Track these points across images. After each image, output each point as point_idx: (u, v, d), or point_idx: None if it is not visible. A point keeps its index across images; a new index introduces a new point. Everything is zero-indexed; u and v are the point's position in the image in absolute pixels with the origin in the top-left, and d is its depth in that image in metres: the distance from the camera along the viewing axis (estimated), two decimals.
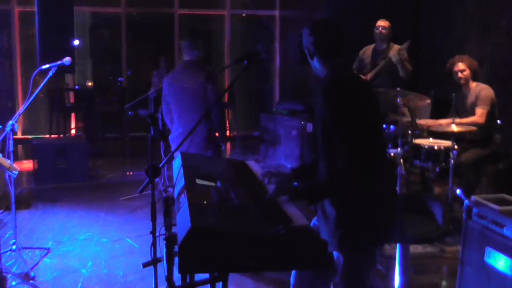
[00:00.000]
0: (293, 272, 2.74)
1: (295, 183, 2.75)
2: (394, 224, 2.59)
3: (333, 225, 2.45)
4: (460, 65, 5.16)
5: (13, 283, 3.94)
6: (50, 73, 4.20)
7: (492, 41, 6.41)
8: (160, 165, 2.47)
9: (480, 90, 5.14)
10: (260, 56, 2.65)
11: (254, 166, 3.09)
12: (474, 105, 5.14)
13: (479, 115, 5.05)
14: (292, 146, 7.41)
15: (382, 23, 6.05)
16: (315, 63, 2.56)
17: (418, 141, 5.01)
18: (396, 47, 5.92)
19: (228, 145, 9.95)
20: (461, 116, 5.18)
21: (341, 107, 2.35)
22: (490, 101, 5.08)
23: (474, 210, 3.06)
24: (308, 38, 2.54)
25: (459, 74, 5.16)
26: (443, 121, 5.22)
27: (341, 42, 2.54)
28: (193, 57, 4.49)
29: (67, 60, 4.22)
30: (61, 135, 8.25)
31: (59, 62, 4.20)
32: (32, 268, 4.17)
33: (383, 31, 6.01)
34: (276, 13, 10.64)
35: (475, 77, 5.22)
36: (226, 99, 9.80)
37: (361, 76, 5.81)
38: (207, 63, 10.24)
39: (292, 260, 2.00)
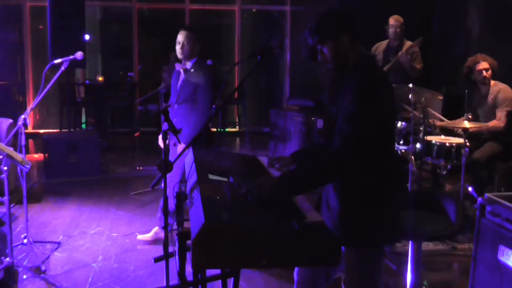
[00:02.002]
0: (296, 268, 2.73)
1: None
2: (399, 222, 2.57)
3: (337, 219, 2.44)
4: (484, 64, 5.11)
5: (24, 276, 3.97)
6: (62, 68, 4.21)
7: (505, 38, 6.35)
8: (173, 160, 2.47)
9: (498, 90, 5.10)
10: (273, 51, 2.62)
11: (266, 161, 3.08)
12: (493, 106, 5.10)
13: (499, 118, 5.06)
14: (301, 142, 7.38)
15: (394, 20, 6.00)
16: (347, 54, 2.43)
17: (429, 137, 4.98)
18: (408, 43, 5.88)
19: (238, 140, 9.96)
20: (480, 116, 5.15)
21: (370, 104, 2.30)
22: (510, 102, 5.05)
23: (488, 207, 3.03)
24: (337, 25, 2.43)
25: (484, 73, 5.11)
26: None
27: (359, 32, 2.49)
28: None
29: (79, 54, 4.22)
30: (72, 130, 8.28)
31: (71, 57, 4.21)
32: (43, 262, 4.19)
33: (396, 28, 5.96)
34: (287, 8, 10.60)
35: (494, 76, 5.17)
36: (236, 95, 9.79)
37: None
38: (217, 58, 10.25)
39: (305, 256, 1.99)
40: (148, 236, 4.69)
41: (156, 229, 4.69)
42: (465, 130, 4.70)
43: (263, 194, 2.24)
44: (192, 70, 4.44)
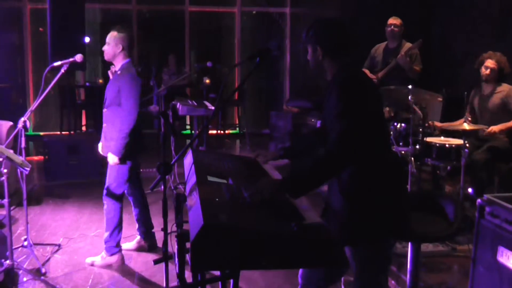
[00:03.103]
0: (300, 270, 2.74)
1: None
2: (401, 220, 2.58)
3: (341, 220, 2.46)
4: (491, 63, 5.05)
5: (25, 278, 3.97)
6: (62, 70, 4.22)
7: (506, 39, 6.35)
8: (172, 162, 2.47)
9: (508, 91, 5.05)
10: (272, 53, 2.64)
11: (265, 163, 3.08)
12: (498, 107, 5.06)
13: None
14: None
15: (393, 21, 6.00)
16: (325, 62, 2.56)
17: (429, 139, 4.98)
18: (408, 45, 5.87)
19: (238, 142, 9.97)
20: (482, 117, 5.12)
21: (356, 98, 2.38)
22: None
23: (487, 209, 3.03)
24: (322, 36, 2.55)
25: (486, 71, 5.06)
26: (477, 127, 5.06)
27: (349, 39, 2.57)
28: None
29: (79, 57, 4.22)
30: (72, 132, 8.29)
31: (71, 59, 4.21)
32: (43, 264, 4.19)
33: (395, 29, 5.95)
34: (287, 10, 10.62)
35: (501, 78, 5.12)
36: (236, 97, 9.80)
37: (371, 74, 5.79)
38: (216, 60, 10.25)
39: (305, 258, 1.99)
40: (131, 244, 4.63)
41: (138, 238, 4.65)
42: (464, 131, 4.71)
43: (265, 197, 2.27)
44: (119, 72, 4.21)
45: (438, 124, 5.25)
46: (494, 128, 5.01)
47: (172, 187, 5.63)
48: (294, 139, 6.60)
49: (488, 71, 5.05)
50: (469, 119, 4.83)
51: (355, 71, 2.55)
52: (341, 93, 2.39)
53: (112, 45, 4.17)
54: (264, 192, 2.28)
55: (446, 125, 5.23)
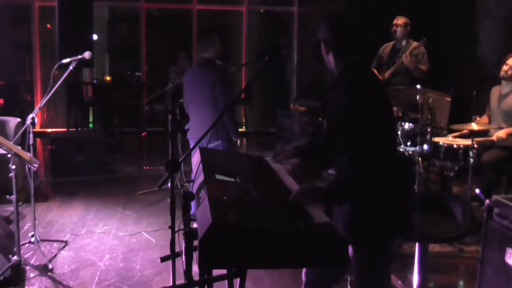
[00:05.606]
0: (304, 268, 2.74)
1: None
2: (408, 217, 2.58)
3: (345, 219, 2.46)
4: (510, 61, 4.98)
5: (31, 274, 3.99)
6: (70, 67, 4.23)
7: None
8: (180, 160, 2.47)
9: None
10: (281, 51, 2.65)
11: (273, 162, 3.08)
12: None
13: None
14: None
15: (396, 21, 5.97)
16: (330, 58, 2.57)
17: (437, 139, 4.96)
18: (415, 44, 5.85)
19: (244, 141, 9.97)
20: (495, 117, 5.06)
21: (366, 101, 2.38)
22: None
23: (495, 210, 3.02)
24: (326, 33, 2.55)
25: (506, 68, 4.99)
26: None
27: (358, 40, 2.56)
28: (207, 54, 4.68)
29: (87, 54, 4.24)
30: (79, 129, 8.31)
31: (79, 56, 4.22)
32: (50, 260, 4.21)
33: (397, 29, 5.92)
34: (294, 9, 10.61)
35: None
36: (243, 96, 9.80)
37: (378, 75, 5.77)
38: (224, 59, 10.23)
39: (312, 257, 1.99)
40: None
41: None
42: (472, 132, 4.67)
43: (307, 201, 2.33)
44: None
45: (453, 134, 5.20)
46: (500, 134, 4.94)
47: (179, 185, 5.64)
48: (312, 139, 6.63)
49: (507, 68, 4.99)
50: (477, 119, 4.79)
51: (361, 71, 2.53)
52: (349, 99, 2.39)
53: None
54: (307, 196, 2.33)
55: (456, 128, 5.16)
